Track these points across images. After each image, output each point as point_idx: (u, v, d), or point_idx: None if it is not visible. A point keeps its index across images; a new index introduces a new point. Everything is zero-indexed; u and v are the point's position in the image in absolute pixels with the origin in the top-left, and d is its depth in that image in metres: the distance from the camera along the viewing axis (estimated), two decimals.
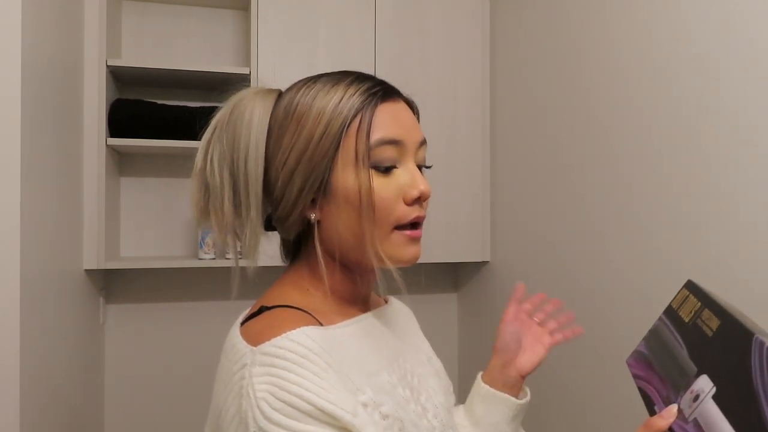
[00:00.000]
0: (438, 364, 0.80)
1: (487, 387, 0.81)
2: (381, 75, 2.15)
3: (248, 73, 1.86)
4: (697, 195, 1.13)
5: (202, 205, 0.68)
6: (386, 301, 0.80)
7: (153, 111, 1.85)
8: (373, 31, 1.96)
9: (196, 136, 2.03)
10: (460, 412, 0.83)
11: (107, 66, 1.77)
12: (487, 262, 2.08)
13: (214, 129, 0.68)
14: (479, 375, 0.84)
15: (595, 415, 1.45)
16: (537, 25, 1.75)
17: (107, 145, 1.78)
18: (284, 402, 0.53)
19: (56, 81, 1.49)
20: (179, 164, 2.07)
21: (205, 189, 0.67)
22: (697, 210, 1.13)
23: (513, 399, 0.80)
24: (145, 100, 1.90)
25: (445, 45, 2.03)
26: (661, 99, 1.22)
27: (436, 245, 2.00)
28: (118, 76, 1.90)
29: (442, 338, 2.31)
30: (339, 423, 0.54)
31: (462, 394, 0.85)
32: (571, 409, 1.56)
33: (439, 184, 2.01)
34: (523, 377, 0.82)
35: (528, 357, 0.82)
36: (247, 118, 0.66)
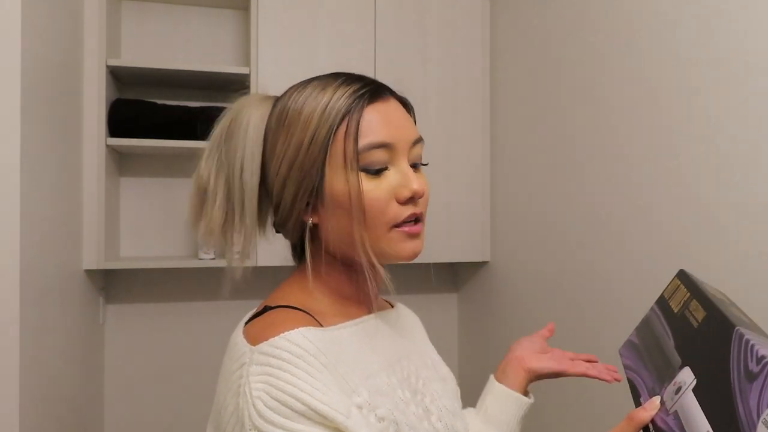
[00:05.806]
0: (444, 369, 0.81)
1: (502, 386, 0.83)
2: (381, 75, 2.15)
3: (248, 73, 1.86)
4: (699, 195, 1.13)
5: (197, 208, 0.70)
6: (392, 306, 0.81)
7: (153, 111, 1.85)
8: (373, 31, 1.95)
9: (196, 136, 2.03)
10: (470, 413, 0.84)
11: (107, 66, 1.77)
12: (487, 262, 2.08)
13: (219, 137, 0.70)
14: (492, 376, 0.86)
15: (596, 412, 1.45)
16: (537, 25, 1.75)
17: (107, 145, 1.78)
18: (278, 401, 0.54)
19: (56, 81, 1.49)
20: (179, 164, 2.07)
21: (203, 193, 0.70)
22: (698, 210, 1.13)
23: (524, 398, 0.82)
24: (145, 100, 1.90)
25: (445, 45, 2.03)
26: (662, 98, 1.22)
27: (436, 245, 2.00)
28: (118, 76, 1.90)
29: (442, 338, 2.31)
30: (332, 424, 0.54)
31: (462, 395, 0.85)
32: (571, 407, 1.56)
33: (439, 183, 2.01)
34: (530, 379, 0.83)
35: (544, 363, 0.83)
36: (243, 128, 0.68)
